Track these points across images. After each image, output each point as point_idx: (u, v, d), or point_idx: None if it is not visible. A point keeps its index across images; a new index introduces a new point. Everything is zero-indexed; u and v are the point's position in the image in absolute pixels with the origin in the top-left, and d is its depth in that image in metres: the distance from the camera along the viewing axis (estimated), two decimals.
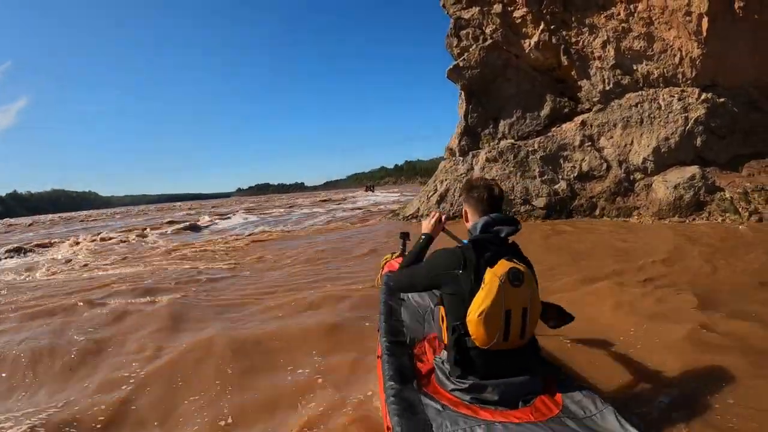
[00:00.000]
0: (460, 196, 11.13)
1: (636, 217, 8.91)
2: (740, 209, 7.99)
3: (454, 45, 11.57)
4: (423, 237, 1.98)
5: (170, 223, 19.27)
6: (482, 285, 1.47)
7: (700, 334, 2.62)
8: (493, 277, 1.46)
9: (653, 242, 6.31)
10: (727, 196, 8.31)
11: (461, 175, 11.23)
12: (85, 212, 77.99)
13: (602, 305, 3.36)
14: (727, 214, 7.99)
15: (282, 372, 2.62)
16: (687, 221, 8.18)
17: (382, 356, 1.87)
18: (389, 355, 1.86)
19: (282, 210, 24.64)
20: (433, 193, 11.73)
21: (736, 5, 8.75)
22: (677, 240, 6.26)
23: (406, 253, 2.05)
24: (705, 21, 8.70)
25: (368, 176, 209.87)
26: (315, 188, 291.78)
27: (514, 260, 1.52)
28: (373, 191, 56.64)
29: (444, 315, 1.62)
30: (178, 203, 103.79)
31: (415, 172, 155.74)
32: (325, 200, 34.86)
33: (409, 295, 2.52)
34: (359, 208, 20.55)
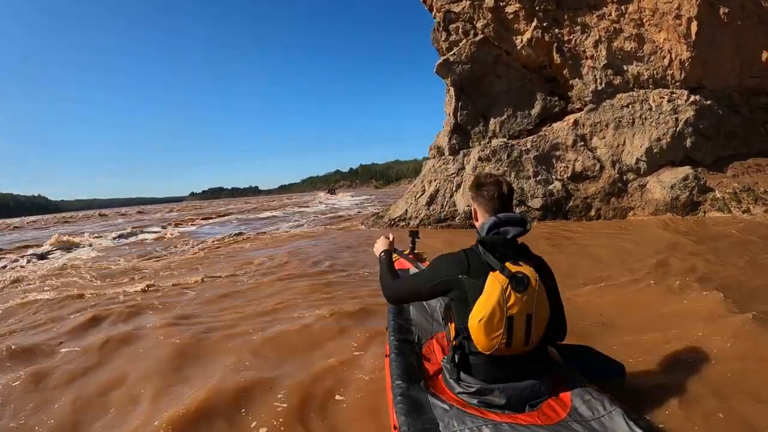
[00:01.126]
0: (451, 197, 10.75)
1: (632, 217, 8.90)
2: (733, 209, 8.15)
3: (442, 39, 11.16)
4: (384, 255, 2.03)
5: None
6: (484, 290, 1.44)
7: None
8: (494, 282, 1.43)
9: None
10: (719, 196, 8.47)
11: (452, 174, 10.80)
12: (36, 216, 69.66)
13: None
14: (722, 214, 8.12)
15: None
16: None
17: (390, 355, 1.86)
18: (397, 354, 1.85)
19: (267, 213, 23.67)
20: (422, 194, 11.21)
21: (721, 11, 9.02)
22: None
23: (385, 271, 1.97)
24: (694, 25, 8.89)
25: (323, 180, 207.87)
26: (269, 192, 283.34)
27: (521, 263, 1.48)
28: (335, 194, 58.70)
29: (452, 315, 1.60)
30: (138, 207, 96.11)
31: (370, 175, 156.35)
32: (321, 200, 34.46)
33: None
34: (336, 210, 20.61)
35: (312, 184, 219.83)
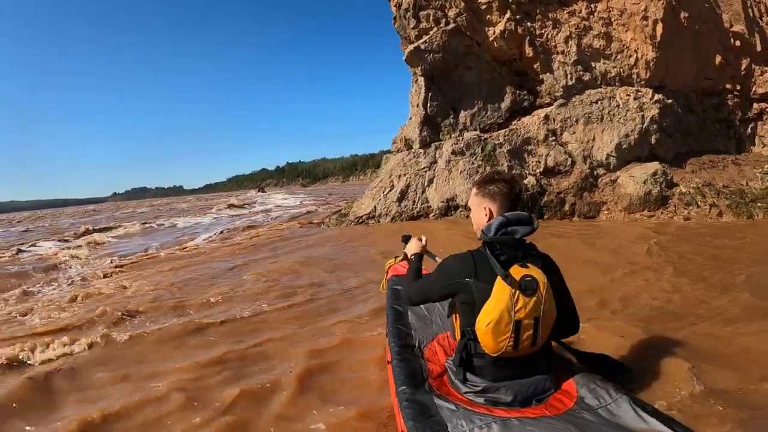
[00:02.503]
0: (423, 192, 10.15)
1: (605, 212, 8.95)
2: (699, 203, 8.46)
3: (411, 27, 10.52)
4: (414, 257, 2.05)
5: None
6: (492, 294, 1.41)
7: None
8: (503, 286, 1.40)
9: None
10: (684, 190, 8.77)
11: (423, 169, 10.22)
12: None
13: None
14: (690, 208, 8.39)
15: None
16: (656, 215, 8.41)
17: (393, 361, 1.84)
18: (399, 359, 1.83)
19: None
20: (390, 190, 10.49)
21: (682, 15, 9.41)
22: None
23: (406, 272, 2.05)
24: (660, 26, 9.16)
25: (249, 178, 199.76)
26: (194, 191, 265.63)
27: (529, 265, 1.45)
28: (264, 192, 58.02)
29: (457, 316, 1.58)
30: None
31: (297, 173, 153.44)
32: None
33: None
34: (290, 209, 19.98)
35: (238, 182, 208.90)
